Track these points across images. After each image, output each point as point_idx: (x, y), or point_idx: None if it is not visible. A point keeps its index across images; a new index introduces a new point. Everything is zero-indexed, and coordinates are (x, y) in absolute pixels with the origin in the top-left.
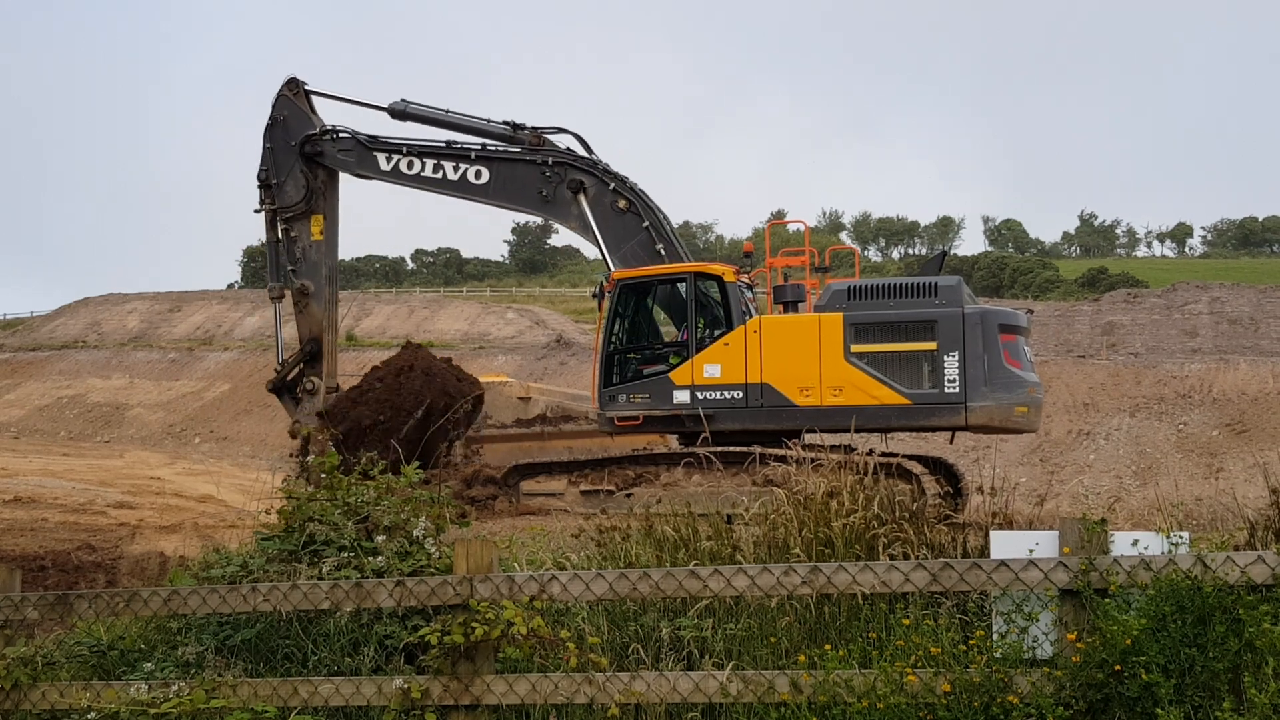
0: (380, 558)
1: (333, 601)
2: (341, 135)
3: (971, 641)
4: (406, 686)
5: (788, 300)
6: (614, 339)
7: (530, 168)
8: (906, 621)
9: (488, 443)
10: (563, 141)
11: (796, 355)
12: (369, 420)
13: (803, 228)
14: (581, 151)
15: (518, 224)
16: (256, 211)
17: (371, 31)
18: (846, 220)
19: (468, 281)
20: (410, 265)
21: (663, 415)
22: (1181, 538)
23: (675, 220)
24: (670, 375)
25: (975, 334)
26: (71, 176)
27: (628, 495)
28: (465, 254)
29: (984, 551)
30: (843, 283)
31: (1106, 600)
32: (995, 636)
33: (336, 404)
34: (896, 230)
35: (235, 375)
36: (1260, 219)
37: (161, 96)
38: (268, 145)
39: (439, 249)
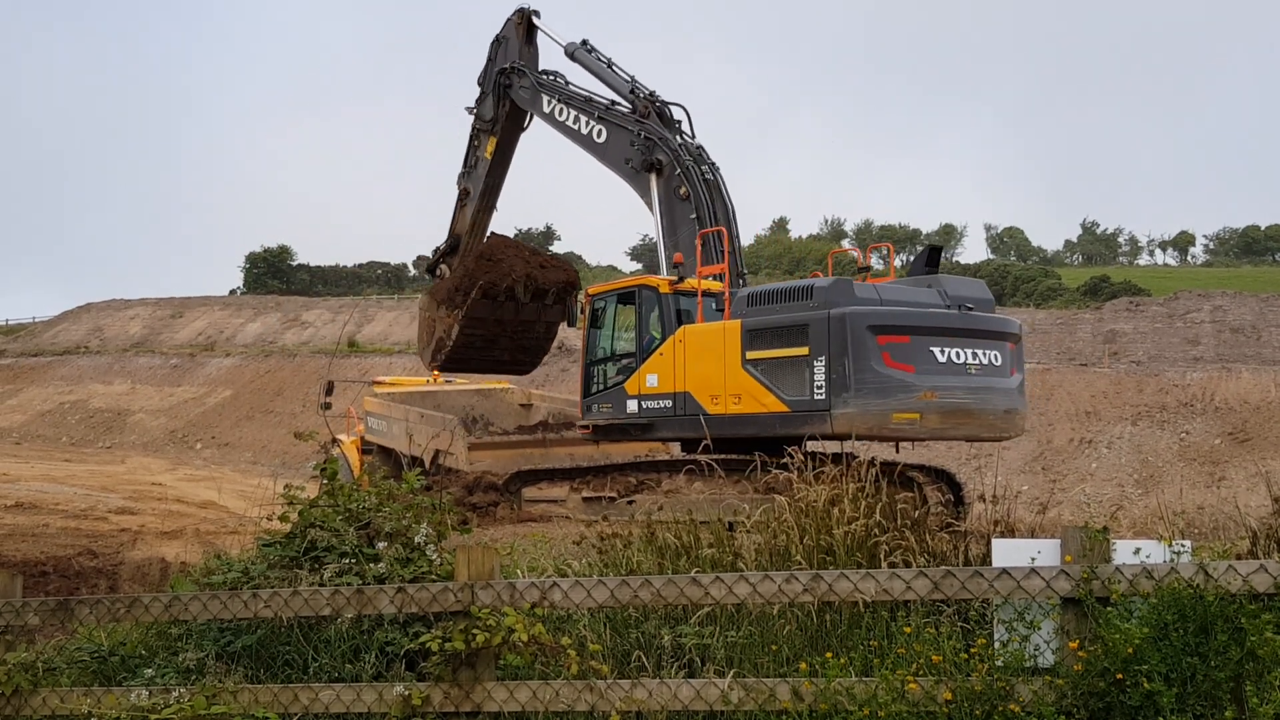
0: (381, 564)
1: (334, 608)
2: (527, 72)
3: (973, 650)
4: (407, 693)
5: (718, 307)
6: (590, 351)
7: (625, 135)
8: (908, 629)
9: (489, 449)
10: (673, 115)
11: (708, 363)
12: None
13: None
14: (685, 127)
15: (520, 230)
16: (466, 108)
17: (413, 39)
18: (849, 228)
19: None
20: (413, 272)
21: (620, 424)
22: (1184, 546)
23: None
24: (625, 385)
25: (840, 337)
26: (74, 182)
27: (629, 502)
28: None
29: (986, 560)
30: (748, 289)
31: (1108, 609)
32: (997, 645)
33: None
34: (899, 238)
35: (237, 381)
36: (1263, 227)
37: (164, 100)
38: (489, 57)
39: None
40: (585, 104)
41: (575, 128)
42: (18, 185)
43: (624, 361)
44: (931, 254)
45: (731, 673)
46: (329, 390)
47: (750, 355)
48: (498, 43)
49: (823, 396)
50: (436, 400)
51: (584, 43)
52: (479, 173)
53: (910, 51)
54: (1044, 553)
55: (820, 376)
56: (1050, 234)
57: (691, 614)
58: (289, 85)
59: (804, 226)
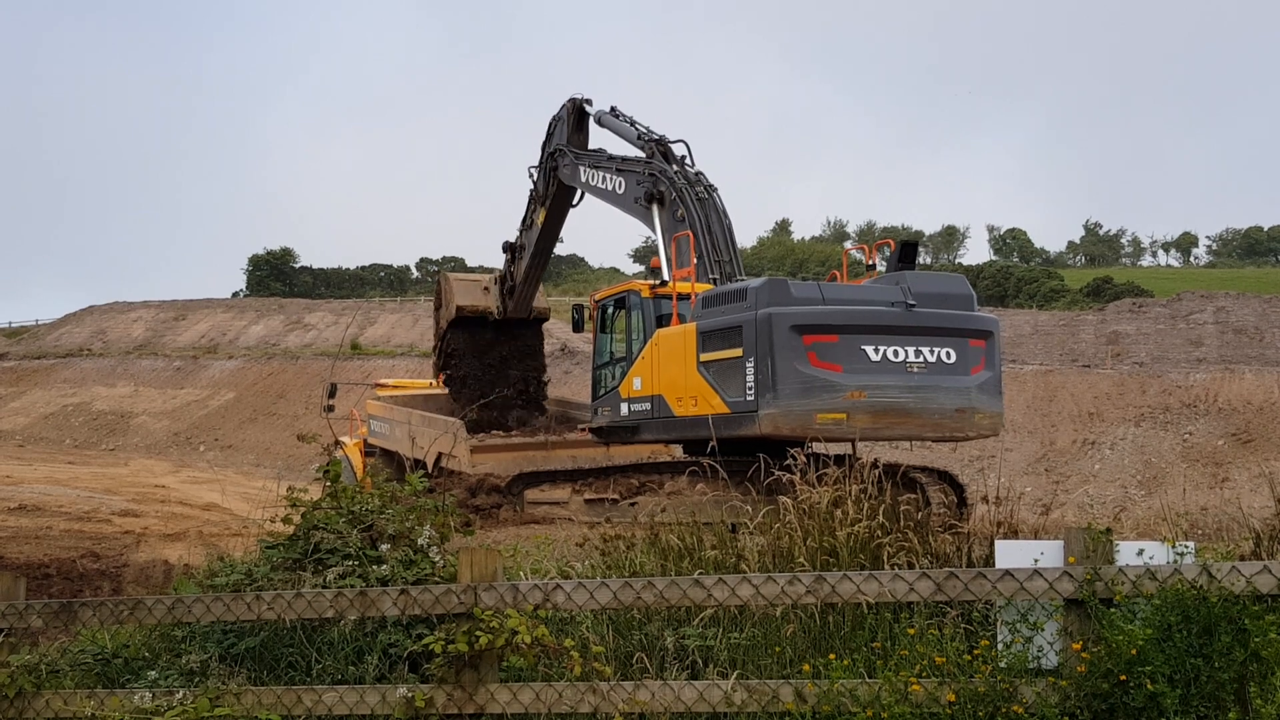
0: (385, 566)
1: (337, 610)
2: (567, 152)
3: (976, 651)
4: (411, 695)
5: (684, 312)
6: (597, 355)
7: (634, 176)
8: (911, 631)
9: (492, 452)
10: (678, 150)
11: (674, 366)
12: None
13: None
14: (686, 160)
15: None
16: (529, 168)
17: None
18: (851, 229)
19: None
20: (415, 274)
21: (616, 426)
22: (1187, 547)
23: None
24: (619, 388)
25: (766, 337)
26: (76, 184)
27: (632, 504)
28: (470, 262)
29: (989, 561)
30: (706, 292)
31: (1112, 610)
32: (1000, 646)
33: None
34: (900, 239)
35: (240, 383)
36: (1265, 228)
37: (167, 104)
38: (547, 132)
39: (443, 257)
40: (606, 162)
41: (604, 187)
42: (20, 187)
43: (620, 365)
44: (905, 250)
45: (735, 674)
46: (332, 393)
47: (703, 357)
48: (555, 122)
49: (752, 397)
50: (439, 403)
51: (612, 109)
52: (532, 235)
53: (911, 51)
54: (1047, 554)
55: (751, 378)
56: (1053, 235)
57: (694, 616)
58: (290, 85)
59: (806, 228)
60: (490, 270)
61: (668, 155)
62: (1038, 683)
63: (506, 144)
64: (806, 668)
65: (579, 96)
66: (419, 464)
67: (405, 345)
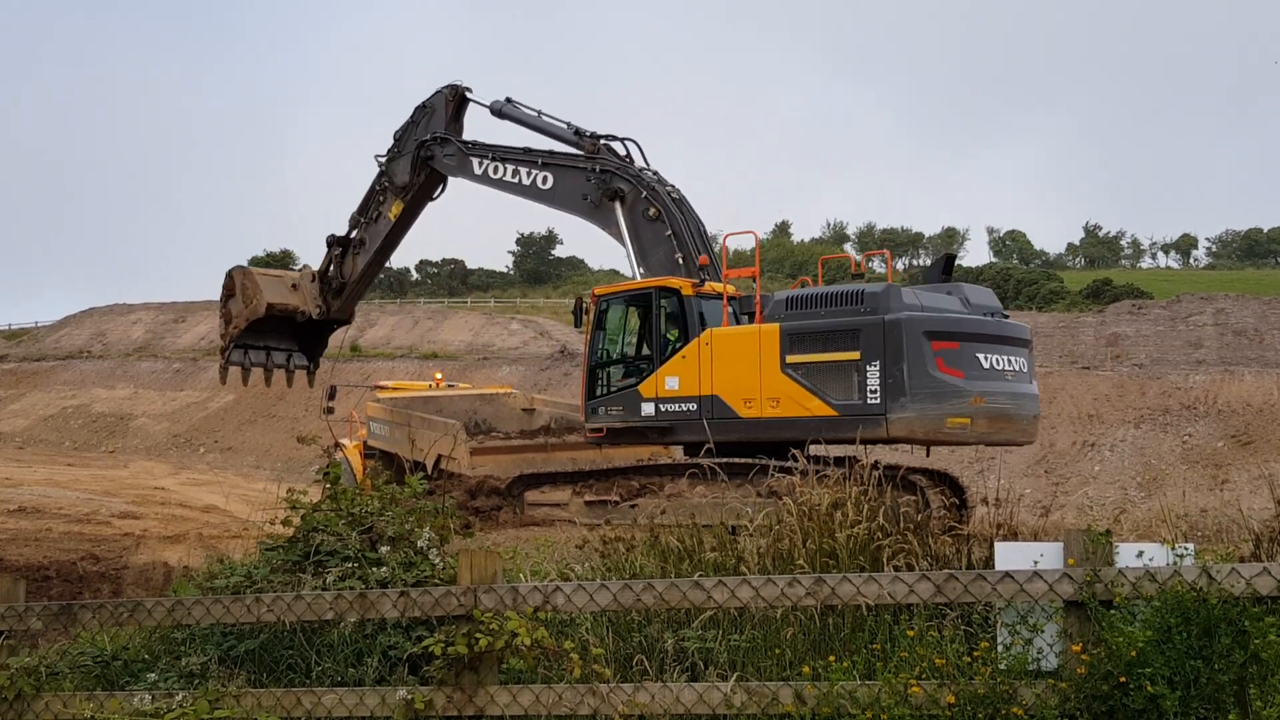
0: (384, 568)
1: (337, 612)
2: (449, 140)
3: (976, 653)
4: (410, 697)
5: (743, 311)
6: (596, 353)
7: (580, 174)
8: (911, 633)
9: (492, 454)
10: (622, 149)
11: (740, 367)
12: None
13: (754, 238)
14: (637, 159)
15: (522, 234)
16: (376, 157)
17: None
18: (851, 231)
19: (472, 292)
20: (415, 276)
21: (632, 427)
22: (1187, 549)
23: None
24: (639, 388)
25: (896, 342)
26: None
27: (632, 506)
28: (470, 265)
29: (989, 563)
30: (784, 292)
31: (1111, 612)
32: (1000, 648)
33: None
34: (901, 241)
35: (239, 386)
36: (1265, 230)
37: (164, 103)
38: (411, 118)
39: (443, 260)
40: (524, 155)
41: (515, 180)
42: (21, 189)
43: (637, 363)
44: (947, 262)
45: (734, 676)
46: (332, 395)
47: (791, 359)
48: (423, 109)
49: (877, 401)
50: (439, 405)
51: (508, 100)
52: (378, 229)
53: (912, 54)
54: (1047, 556)
55: (874, 381)
56: (1052, 237)
57: (694, 617)
58: (291, 88)
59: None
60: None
61: (613, 153)
62: (1037, 685)
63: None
64: (806, 670)
65: (459, 84)
66: (419, 466)
67: (405, 347)
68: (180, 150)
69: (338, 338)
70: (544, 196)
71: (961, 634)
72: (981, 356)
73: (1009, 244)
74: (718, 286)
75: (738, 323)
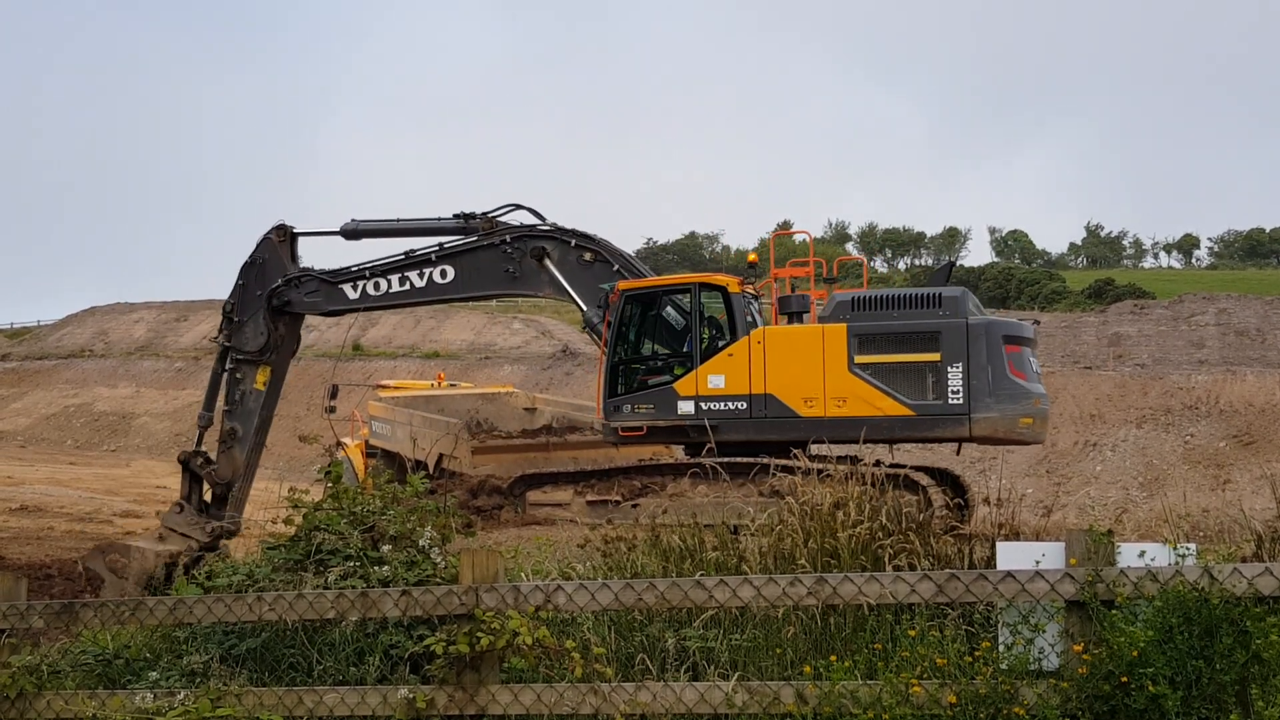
0: (386, 567)
1: (338, 611)
2: (304, 278)
3: (977, 653)
4: (412, 696)
5: (792, 311)
6: (618, 350)
7: (491, 251)
8: (912, 633)
9: (493, 453)
10: (515, 218)
11: (800, 366)
12: None
13: (807, 238)
14: (534, 221)
15: None
16: (212, 340)
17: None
18: (853, 231)
19: None
20: None
21: (667, 426)
22: (1188, 549)
23: (681, 231)
24: (675, 386)
25: (979, 345)
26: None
27: (634, 505)
28: None
29: (990, 563)
30: (848, 293)
31: (1113, 612)
32: (1001, 648)
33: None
34: (902, 241)
35: None
36: (1267, 230)
37: (163, 103)
38: (240, 281)
39: None
40: (407, 260)
41: (405, 288)
42: (21, 189)
43: (668, 361)
44: (948, 269)
45: (736, 676)
46: (334, 394)
47: (860, 359)
48: (251, 265)
49: (960, 401)
50: (440, 404)
51: (353, 219)
52: (249, 407)
53: (913, 54)
54: (1048, 556)
55: (957, 382)
56: (1054, 237)
57: (696, 617)
58: (293, 89)
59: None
60: None
61: (502, 225)
62: (1039, 684)
63: (518, 149)
64: (808, 669)
65: (284, 223)
66: (420, 465)
67: (407, 347)
68: (180, 150)
69: (339, 337)
70: (446, 289)
71: (963, 634)
72: (1034, 360)
73: (1011, 244)
74: (748, 288)
75: (785, 323)
